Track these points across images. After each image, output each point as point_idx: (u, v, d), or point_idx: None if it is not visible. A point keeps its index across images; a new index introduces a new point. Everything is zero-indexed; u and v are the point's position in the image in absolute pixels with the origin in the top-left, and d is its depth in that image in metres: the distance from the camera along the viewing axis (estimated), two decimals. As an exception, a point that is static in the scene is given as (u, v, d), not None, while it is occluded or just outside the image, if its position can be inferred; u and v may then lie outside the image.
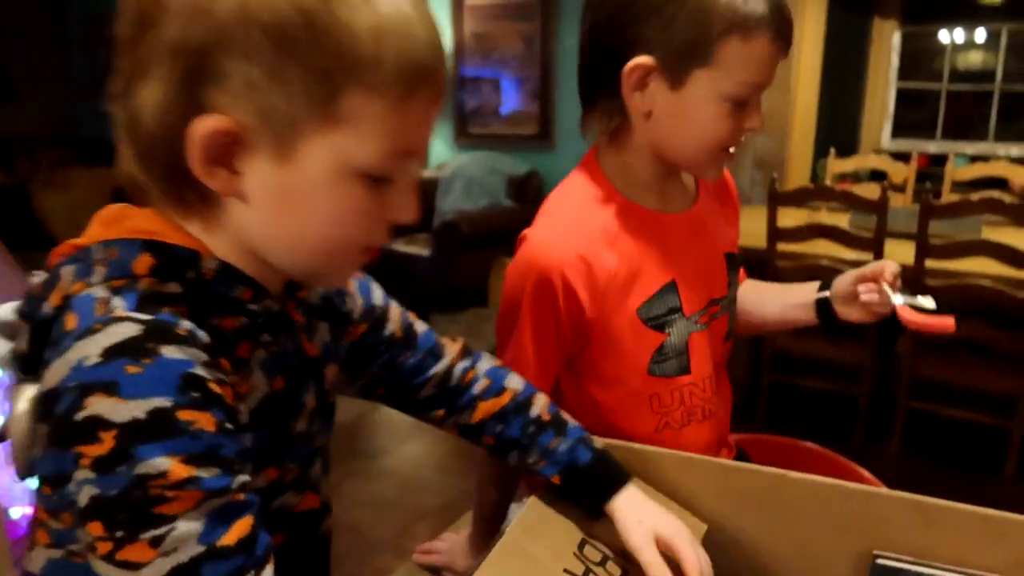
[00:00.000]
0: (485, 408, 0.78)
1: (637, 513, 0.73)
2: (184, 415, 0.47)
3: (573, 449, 0.76)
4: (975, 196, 2.40)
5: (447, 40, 4.93)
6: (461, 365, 0.79)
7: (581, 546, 0.74)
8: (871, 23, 4.43)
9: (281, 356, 0.59)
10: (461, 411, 0.78)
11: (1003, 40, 4.24)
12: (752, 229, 2.64)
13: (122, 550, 0.46)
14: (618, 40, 0.83)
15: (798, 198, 2.60)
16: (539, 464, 0.76)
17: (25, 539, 0.60)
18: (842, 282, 1.00)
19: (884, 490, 0.76)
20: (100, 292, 0.51)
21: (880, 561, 0.73)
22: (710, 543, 0.80)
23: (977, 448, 2.61)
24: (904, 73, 4.45)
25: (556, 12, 4.45)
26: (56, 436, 0.47)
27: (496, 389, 0.78)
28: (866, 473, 1.13)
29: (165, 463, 0.45)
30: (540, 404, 0.79)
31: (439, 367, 0.78)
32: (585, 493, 0.76)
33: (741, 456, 1.09)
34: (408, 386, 0.77)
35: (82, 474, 0.46)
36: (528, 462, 0.77)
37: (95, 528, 0.46)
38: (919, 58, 4.45)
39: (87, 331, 0.48)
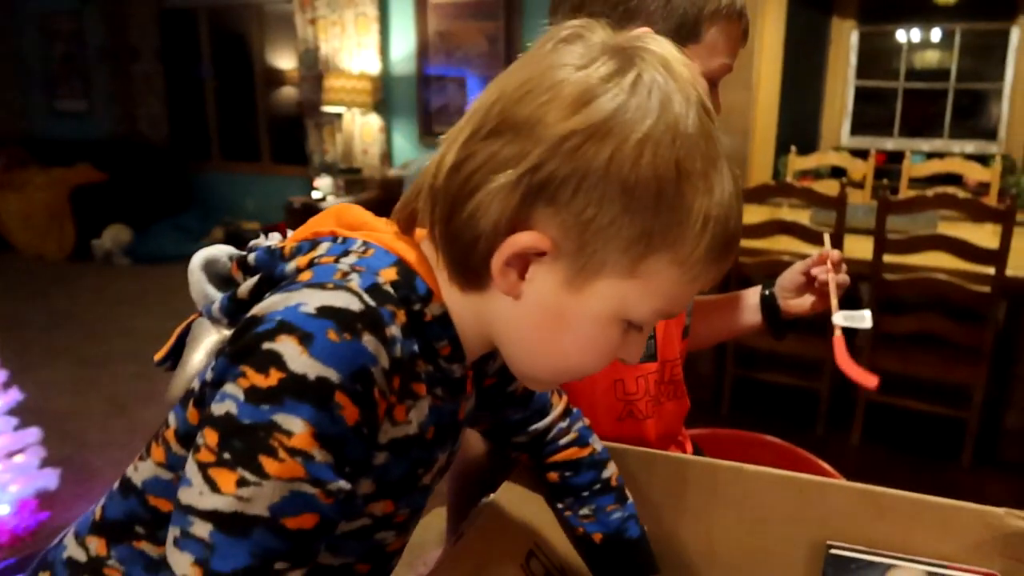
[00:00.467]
0: (564, 455, 0.80)
1: None
2: (340, 398, 0.49)
3: (626, 521, 0.79)
4: (931, 192, 2.45)
5: (410, 40, 4.91)
6: (560, 425, 0.81)
7: (528, 558, 0.74)
8: (830, 23, 4.50)
9: (442, 412, 0.62)
10: (541, 454, 0.81)
11: (957, 40, 4.34)
12: (715, 226, 2.66)
13: (216, 469, 0.48)
14: (613, 12, 0.85)
15: (760, 195, 2.64)
16: (587, 519, 0.79)
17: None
18: (788, 275, 1.02)
19: (837, 481, 0.77)
20: (344, 267, 0.55)
21: (834, 551, 0.74)
22: (666, 536, 0.80)
23: (935, 438, 2.67)
24: (862, 72, 4.52)
25: (520, 10, 4.45)
26: (238, 351, 0.50)
27: (580, 442, 0.81)
28: (825, 465, 1.14)
29: (298, 426, 0.48)
30: (612, 469, 0.81)
31: (541, 424, 0.79)
32: (620, 563, 0.79)
33: (697, 452, 1.10)
34: (508, 432, 0.80)
35: (233, 389, 0.49)
36: (579, 513, 0.80)
37: (211, 436, 0.49)
38: (876, 57, 4.53)
39: (318, 284, 0.52)
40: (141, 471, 0.61)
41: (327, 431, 0.49)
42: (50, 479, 2.08)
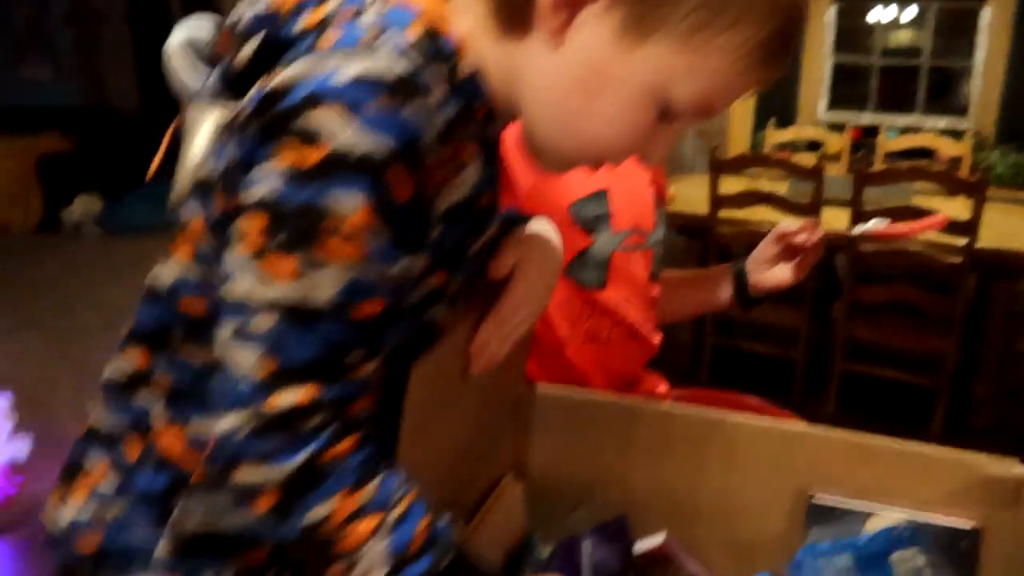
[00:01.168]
0: None
1: (537, 237, 0.67)
2: (394, 171, 0.45)
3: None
4: (904, 165, 2.48)
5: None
6: None
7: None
8: (808, -3, 4.51)
9: (489, 178, 0.58)
10: None
11: (931, 17, 4.36)
12: (695, 196, 2.66)
13: (269, 257, 0.44)
14: None
15: (738, 165, 2.64)
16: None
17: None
18: (762, 246, 1.00)
19: (820, 429, 0.78)
20: (373, 19, 0.49)
21: (816, 500, 0.74)
22: (649, 486, 0.80)
23: (907, 406, 2.72)
24: (839, 48, 4.54)
25: None
26: (268, 126, 0.45)
27: None
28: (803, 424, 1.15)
29: (354, 204, 0.44)
30: None
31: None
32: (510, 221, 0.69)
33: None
34: None
35: (270, 170, 0.44)
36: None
37: (254, 223, 0.45)
38: (853, 33, 4.54)
39: (354, 44, 0.47)
40: (165, 275, 0.55)
41: (384, 208, 0.45)
42: (20, 449, 2.05)
